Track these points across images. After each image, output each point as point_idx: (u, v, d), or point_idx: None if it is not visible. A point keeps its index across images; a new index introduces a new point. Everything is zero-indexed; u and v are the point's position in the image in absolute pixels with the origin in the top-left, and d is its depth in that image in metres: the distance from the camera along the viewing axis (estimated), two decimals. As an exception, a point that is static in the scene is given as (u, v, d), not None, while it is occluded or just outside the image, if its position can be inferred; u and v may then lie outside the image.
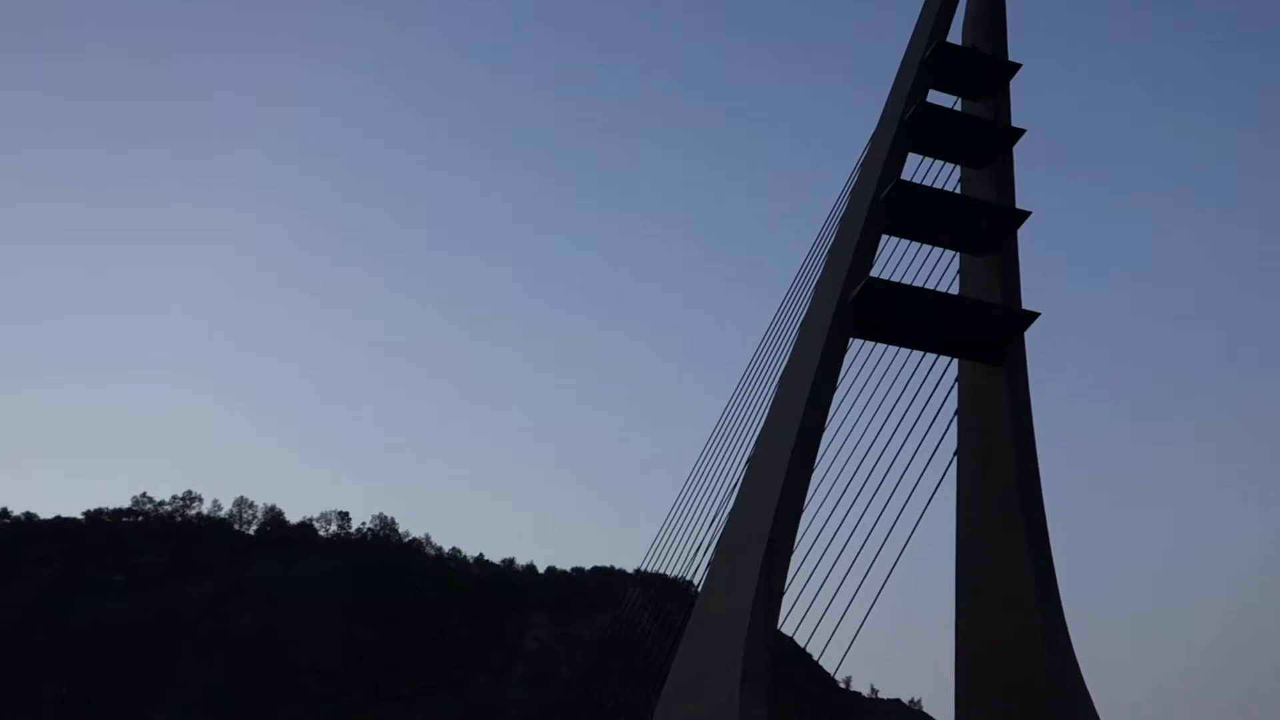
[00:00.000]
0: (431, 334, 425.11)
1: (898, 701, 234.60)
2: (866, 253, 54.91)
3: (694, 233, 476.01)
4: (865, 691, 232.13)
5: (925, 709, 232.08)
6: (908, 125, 57.16)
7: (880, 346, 53.91)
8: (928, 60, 58.65)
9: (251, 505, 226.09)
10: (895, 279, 54.14)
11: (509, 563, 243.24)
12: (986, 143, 58.14)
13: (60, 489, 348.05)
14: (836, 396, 52.25)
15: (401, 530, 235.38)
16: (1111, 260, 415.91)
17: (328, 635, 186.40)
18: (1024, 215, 55.82)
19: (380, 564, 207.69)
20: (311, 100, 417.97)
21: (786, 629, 49.68)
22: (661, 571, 67.85)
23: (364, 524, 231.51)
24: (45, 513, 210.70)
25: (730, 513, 54.87)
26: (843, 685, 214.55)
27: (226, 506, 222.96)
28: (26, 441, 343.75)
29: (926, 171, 58.60)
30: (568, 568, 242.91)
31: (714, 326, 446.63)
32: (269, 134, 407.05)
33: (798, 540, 49.10)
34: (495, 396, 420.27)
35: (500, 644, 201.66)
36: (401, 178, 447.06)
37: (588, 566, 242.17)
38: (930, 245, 56.83)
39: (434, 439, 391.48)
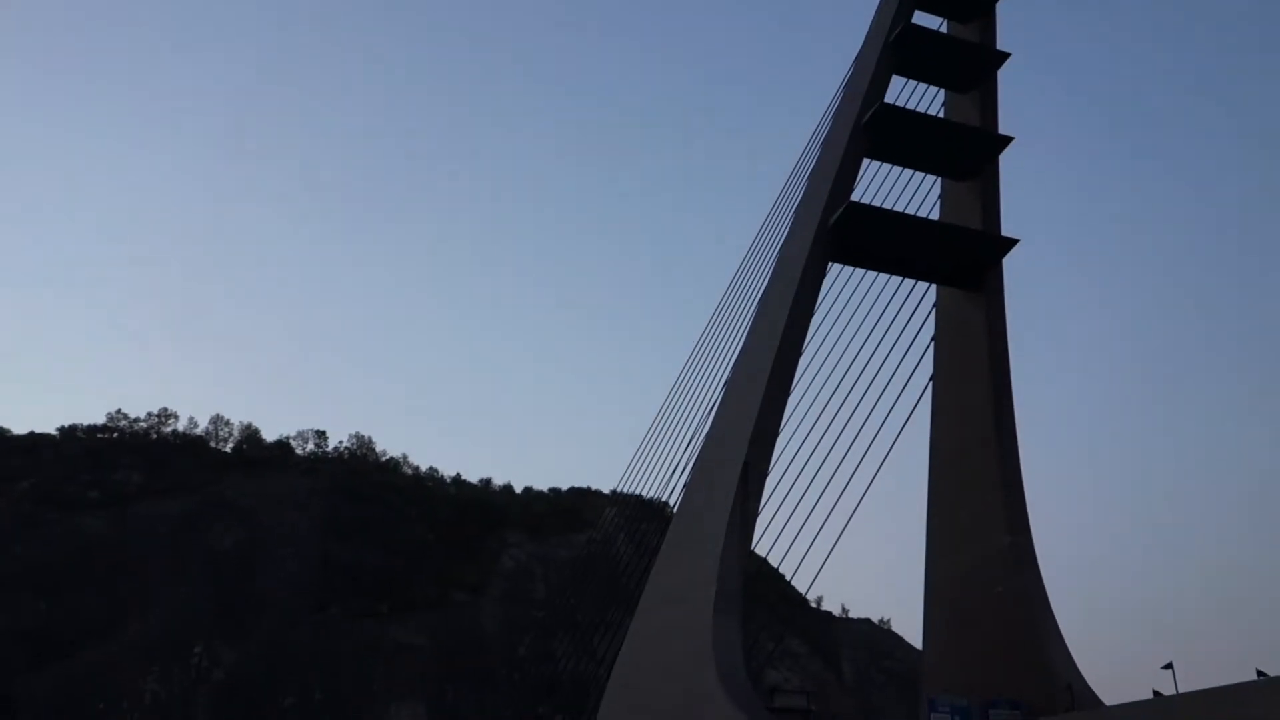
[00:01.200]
0: (405, 252, 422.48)
1: (867, 621, 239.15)
2: (848, 177, 54.68)
3: (673, 151, 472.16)
4: (836, 611, 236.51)
5: (894, 629, 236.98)
6: (892, 46, 56.57)
7: (859, 271, 54.03)
8: (915, -20, 57.93)
9: (228, 423, 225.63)
10: (876, 204, 54.07)
11: (486, 483, 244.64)
12: (971, 66, 57.67)
13: (34, 405, 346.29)
14: (814, 321, 52.45)
15: (379, 449, 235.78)
16: (1097, 188, 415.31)
17: (305, 553, 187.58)
18: (1007, 140, 55.64)
19: (357, 483, 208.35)
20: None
21: (760, 550, 50.47)
22: (638, 492, 68.58)
23: (341, 443, 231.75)
24: (19, 428, 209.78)
25: (707, 435, 55.31)
26: (814, 605, 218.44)
27: (203, 424, 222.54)
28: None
29: (910, 95, 58.22)
30: (545, 488, 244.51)
31: (694, 248, 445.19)
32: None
33: (773, 463, 49.62)
34: (472, 317, 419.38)
35: (477, 563, 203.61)
36: (367, 88, 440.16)
37: (565, 487, 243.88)
38: (912, 170, 56.66)
39: (411, 359, 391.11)
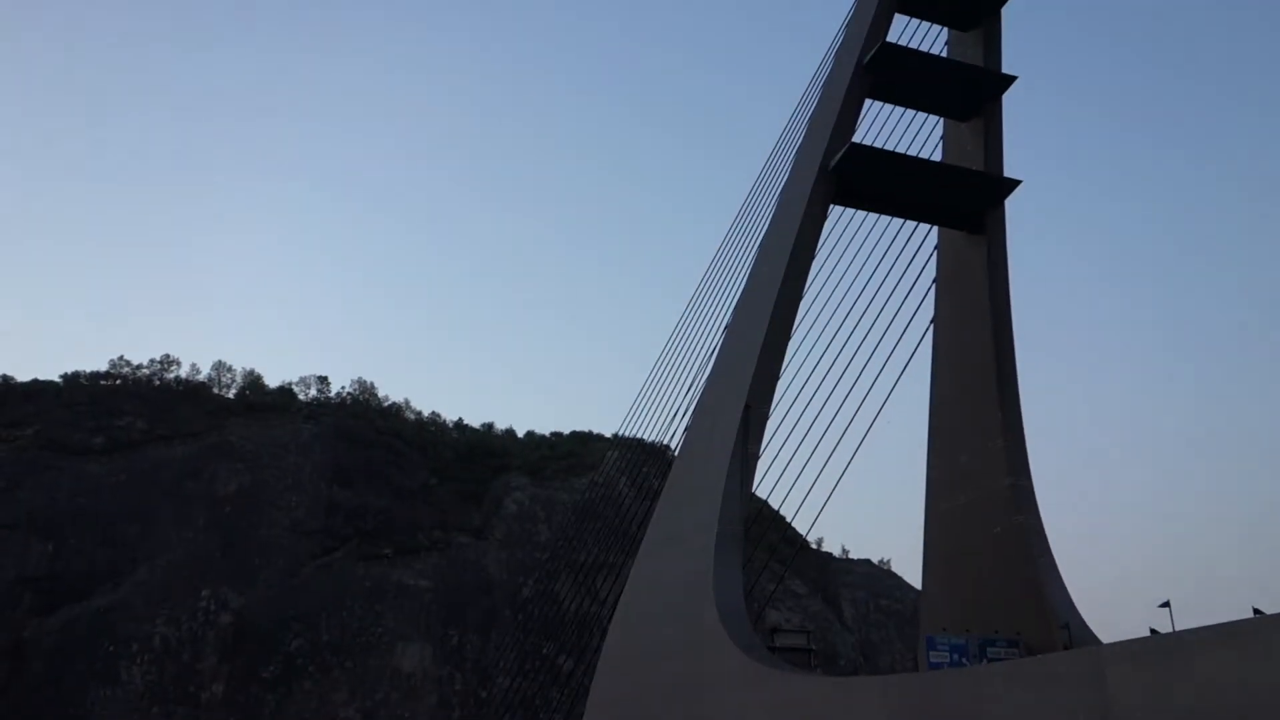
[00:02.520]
0: (408, 197, 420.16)
1: (868, 561, 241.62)
2: (849, 118, 54.26)
3: (674, 96, 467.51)
4: (836, 552, 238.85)
5: (894, 569, 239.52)
6: (896, -17, 55.80)
7: (860, 214, 53.81)
8: (917, -84, 56.96)
9: (230, 369, 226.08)
10: (878, 146, 53.70)
11: (489, 427, 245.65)
12: (974, 3, 56.88)
13: (36, 352, 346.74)
14: (815, 264, 52.36)
15: (381, 395, 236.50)
16: (1100, 129, 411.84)
17: (310, 497, 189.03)
18: (1010, 80, 55.08)
19: (360, 428, 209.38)
20: None
21: (761, 492, 50.85)
22: (639, 436, 68.96)
23: (343, 388, 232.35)
24: (22, 376, 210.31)
25: (708, 378, 55.49)
26: (814, 546, 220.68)
27: (205, 370, 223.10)
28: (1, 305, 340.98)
29: (913, 34, 57.57)
30: (547, 432, 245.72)
31: (695, 191, 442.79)
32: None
33: (774, 406, 49.83)
34: (474, 261, 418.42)
35: (480, 506, 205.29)
36: (379, 49, 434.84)
37: (567, 431, 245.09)
38: (915, 110, 56.20)
39: (412, 303, 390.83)
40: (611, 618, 54.81)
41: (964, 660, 42.05)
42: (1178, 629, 31.85)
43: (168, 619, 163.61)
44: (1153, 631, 31.84)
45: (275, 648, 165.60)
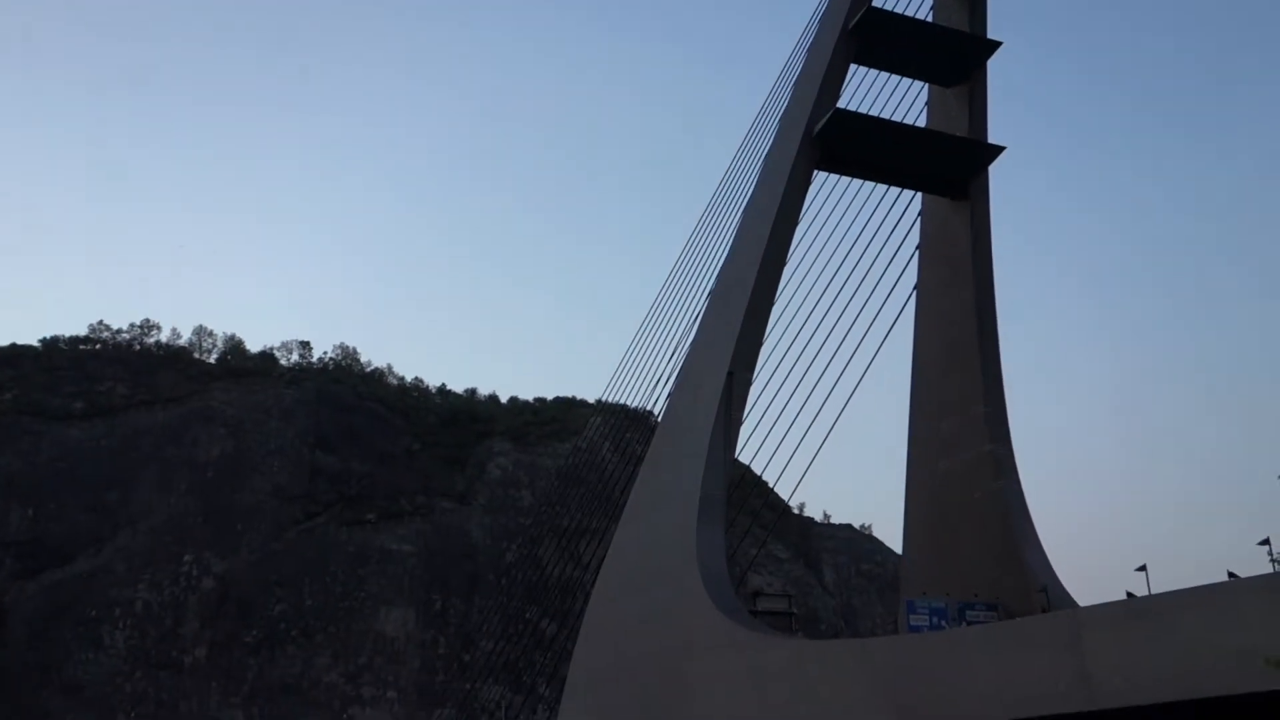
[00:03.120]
0: (390, 162, 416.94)
1: (849, 526, 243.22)
2: (834, 83, 54.08)
3: (657, 61, 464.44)
4: (818, 517, 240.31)
5: (875, 534, 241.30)
6: (881, -52, 55.42)
7: (844, 181, 53.74)
8: (904, -123, 56.49)
9: (211, 334, 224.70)
10: (862, 112, 53.56)
11: (471, 392, 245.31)
12: (960, -32, 56.57)
13: (14, 316, 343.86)
14: (799, 230, 52.35)
15: (363, 360, 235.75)
16: (1085, 95, 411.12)
17: (292, 462, 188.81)
18: (995, 45, 54.96)
19: (342, 393, 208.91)
20: None
21: (743, 458, 51.10)
22: (623, 402, 69.07)
23: (325, 353, 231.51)
24: (0, 340, 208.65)
25: (691, 344, 55.54)
26: (796, 511, 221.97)
27: (185, 335, 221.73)
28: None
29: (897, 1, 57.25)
30: (530, 398, 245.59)
31: (679, 157, 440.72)
32: None
33: (757, 372, 49.98)
34: (456, 225, 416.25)
35: (464, 472, 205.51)
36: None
37: (550, 397, 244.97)
38: (899, 76, 56.01)
39: (394, 268, 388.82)
40: (595, 582, 55.11)
41: (943, 623, 42.54)
42: (1154, 593, 32.24)
43: (150, 584, 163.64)
44: (1130, 595, 32.22)
45: (258, 612, 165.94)
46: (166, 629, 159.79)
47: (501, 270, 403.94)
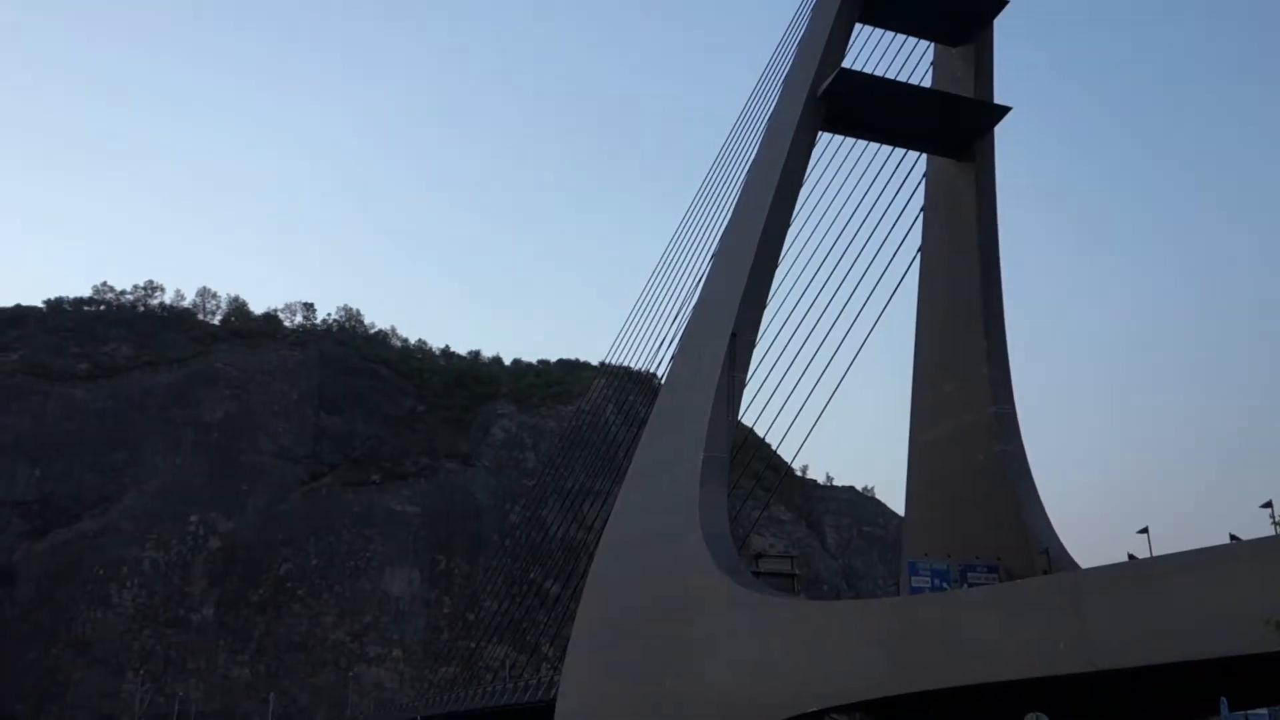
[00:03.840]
0: (394, 120, 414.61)
1: (851, 489, 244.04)
2: (839, 44, 53.57)
3: (662, 22, 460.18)
4: (821, 479, 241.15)
5: (877, 496, 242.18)
6: (887, -95, 54.66)
7: (848, 141, 53.39)
8: None
9: (214, 295, 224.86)
10: (867, 72, 53.10)
11: (475, 355, 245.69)
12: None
13: (18, 276, 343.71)
14: (803, 192, 52.08)
15: (367, 322, 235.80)
16: (1089, 56, 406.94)
17: (297, 424, 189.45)
18: (1002, 3, 54.32)
19: (346, 355, 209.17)
20: None
21: (746, 420, 51.17)
22: (626, 364, 69.16)
23: (329, 315, 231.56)
24: (4, 301, 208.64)
25: (695, 307, 55.47)
26: (799, 473, 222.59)
27: (189, 296, 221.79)
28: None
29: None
30: (534, 360, 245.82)
31: (684, 117, 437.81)
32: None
33: (760, 334, 49.91)
34: (460, 186, 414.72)
35: (468, 433, 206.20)
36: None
37: (554, 359, 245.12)
38: (905, 35, 55.46)
39: (398, 229, 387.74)
40: (598, 543, 55.40)
41: (945, 585, 42.75)
42: (1156, 555, 32.34)
43: (157, 543, 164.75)
44: (1131, 558, 32.32)
45: (264, 572, 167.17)
46: (174, 588, 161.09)
47: (505, 232, 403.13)
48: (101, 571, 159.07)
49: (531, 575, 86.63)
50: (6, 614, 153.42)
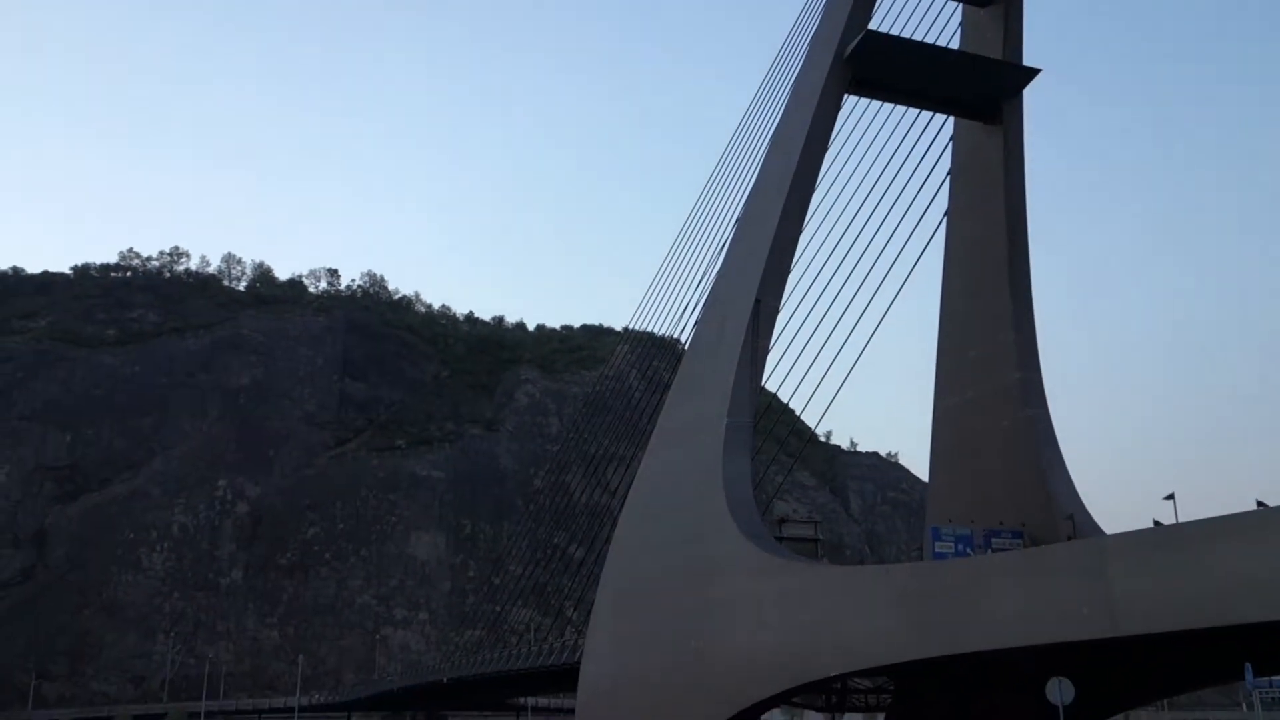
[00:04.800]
0: (417, 89, 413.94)
1: (875, 454, 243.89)
2: (865, 4, 52.86)
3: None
4: (845, 445, 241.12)
5: (901, 462, 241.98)
6: None
7: (874, 105, 52.79)
8: None
9: (240, 261, 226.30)
10: (894, 34, 52.39)
11: (499, 320, 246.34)
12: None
13: (45, 243, 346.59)
14: (828, 156, 51.59)
15: (391, 288, 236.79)
16: (1119, 16, 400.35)
17: (322, 389, 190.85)
18: (1032, -36, 53.40)
19: (371, 320, 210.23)
20: None
21: (770, 386, 51.06)
22: (650, 330, 69.00)
23: (353, 281, 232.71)
24: (32, 267, 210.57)
25: (719, 272, 55.20)
26: (823, 439, 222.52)
27: (215, 263, 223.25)
28: (8, 195, 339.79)
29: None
30: (557, 326, 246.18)
31: (708, 81, 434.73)
32: None
33: (784, 300, 49.67)
34: (484, 151, 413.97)
35: (492, 399, 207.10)
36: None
37: (577, 325, 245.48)
38: (932, -4, 54.58)
39: (421, 195, 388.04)
40: (622, 508, 55.58)
41: (968, 550, 42.69)
42: (1182, 521, 32.15)
43: (185, 507, 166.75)
44: (1156, 524, 32.17)
45: (292, 536, 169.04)
46: (203, 551, 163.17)
47: (529, 198, 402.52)
48: (132, 535, 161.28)
49: (555, 540, 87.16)
50: (40, 577, 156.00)
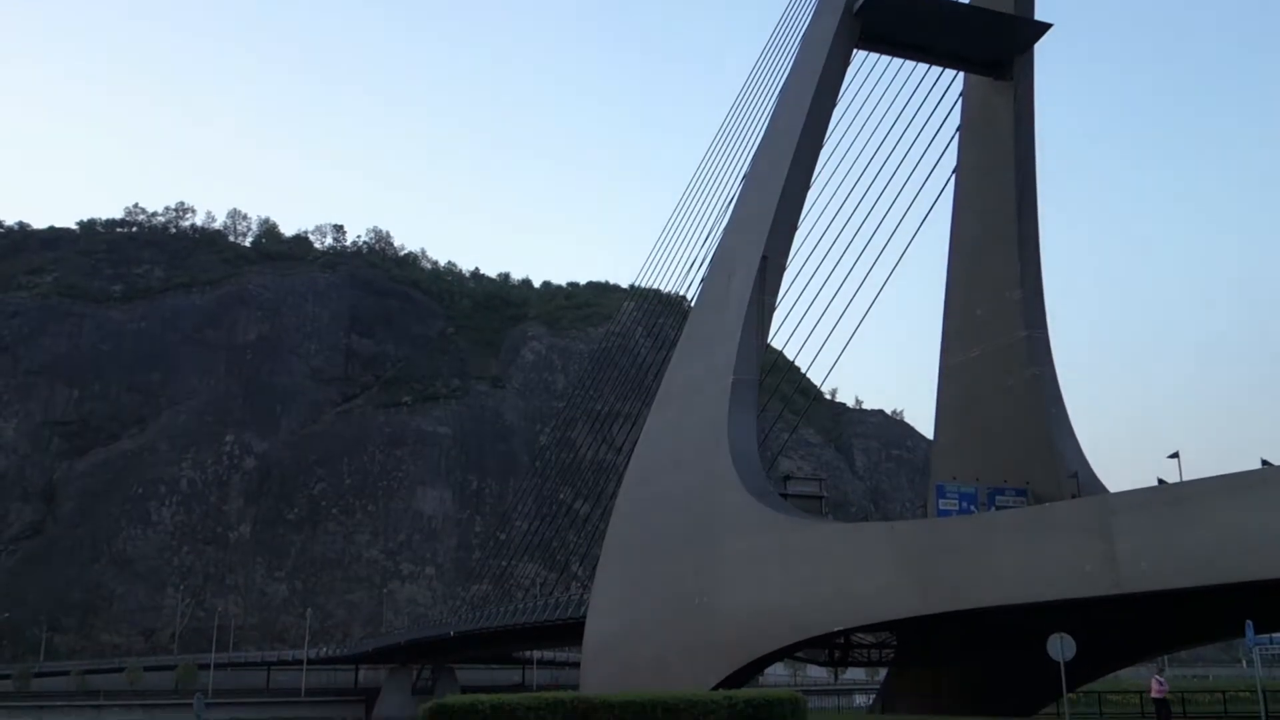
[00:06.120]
0: (419, 41, 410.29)
1: (880, 412, 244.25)
2: (875, -43, 52.16)
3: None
4: (850, 403, 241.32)
5: (906, 419, 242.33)
6: None
7: (883, 60, 52.27)
8: None
9: (245, 217, 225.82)
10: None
11: (505, 277, 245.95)
12: None
13: (50, 199, 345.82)
14: (837, 112, 51.19)
15: (396, 244, 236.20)
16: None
17: (328, 345, 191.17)
18: (1045, -85, 52.56)
19: (377, 276, 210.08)
20: None
21: (776, 343, 51.03)
22: (656, 286, 68.87)
23: (359, 237, 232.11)
24: (38, 223, 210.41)
25: (725, 229, 55.00)
26: (829, 397, 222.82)
27: (220, 218, 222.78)
28: (14, 150, 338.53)
29: None
30: (563, 282, 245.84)
31: (716, 33, 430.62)
32: None
33: (791, 256, 49.51)
34: (489, 107, 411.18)
35: (498, 356, 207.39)
36: None
37: (583, 281, 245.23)
38: (944, -52, 53.84)
39: (424, 151, 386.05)
40: (627, 465, 55.77)
41: (972, 508, 42.84)
42: (1186, 479, 32.17)
43: (194, 462, 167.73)
44: (1160, 482, 32.18)
45: (299, 491, 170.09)
46: (211, 506, 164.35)
47: (534, 153, 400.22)
48: (140, 490, 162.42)
49: (561, 496, 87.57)
50: (50, 531, 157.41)
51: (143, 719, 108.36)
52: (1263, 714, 32.78)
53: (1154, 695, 28.67)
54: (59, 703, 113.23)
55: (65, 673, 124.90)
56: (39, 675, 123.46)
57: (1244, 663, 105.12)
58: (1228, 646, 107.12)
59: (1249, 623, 28.16)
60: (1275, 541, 26.39)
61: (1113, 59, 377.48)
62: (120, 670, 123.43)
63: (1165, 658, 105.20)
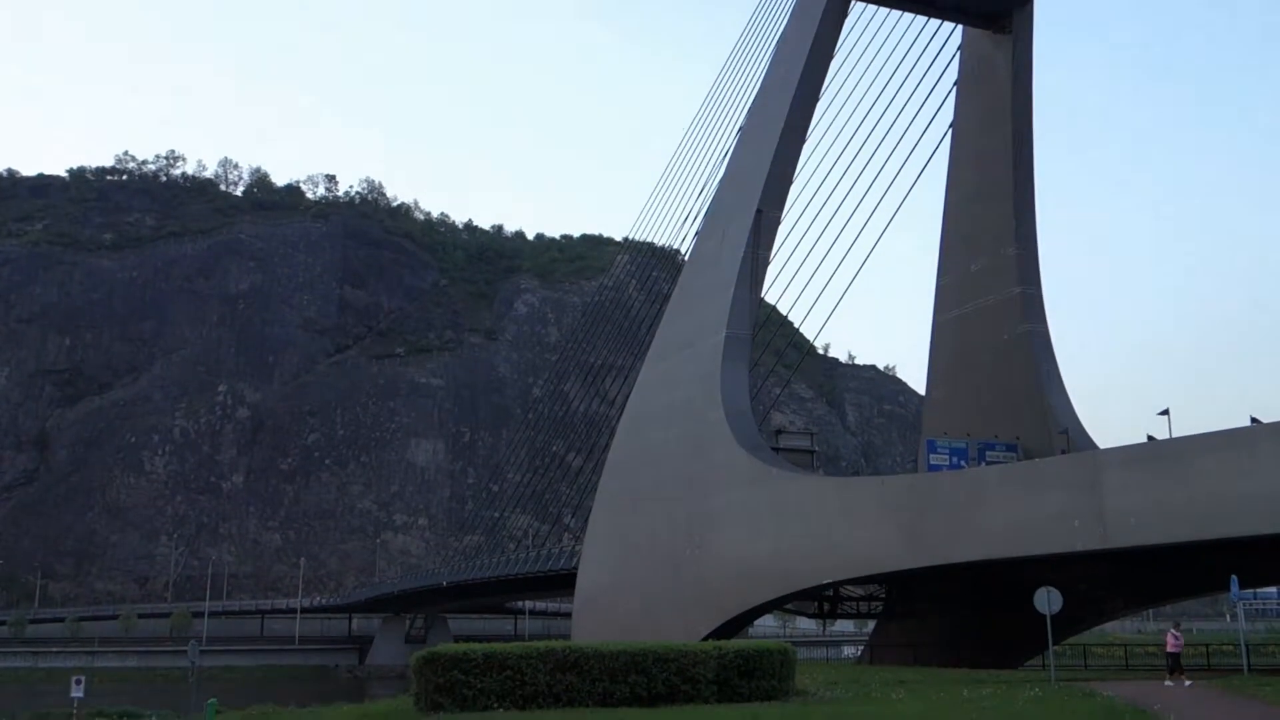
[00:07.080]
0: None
1: (873, 367, 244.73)
2: (875, -93, 51.57)
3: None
4: (843, 358, 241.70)
5: (899, 375, 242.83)
6: None
7: (880, 13, 51.81)
8: None
9: (236, 166, 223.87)
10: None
11: (498, 229, 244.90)
12: None
13: (39, 146, 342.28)
14: (833, 65, 50.85)
15: (389, 195, 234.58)
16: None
17: (321, 296, 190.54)
18: None
19: (369, 227, 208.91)
20: None
21: (769, 297, 51.06)
22: (650, 240, 68.77)
23: (351, 187, 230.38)
24: (26, 170, 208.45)
25: (720, 182, 54.80)
26: (821, 351, 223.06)
27: (211, 167, 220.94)
28: (2, 97, 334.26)
29: None
30: (557, 235, 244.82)
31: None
32: None
33: (786, 211, 49.42)
34: (483, 57, 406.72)
35: (491, 308, 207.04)
36: None
37: (577, 234, 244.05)
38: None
39: (417, 101, 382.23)
40: (620, 418, 55.98)
41: (963, 463, 43.14)
42: (1175, 436, 32.40)
43: (186, 412, 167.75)
44: (1150, 438, 32.41)
45: (292, 441, 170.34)
46: (204, 455, 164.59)
47: (528, 105, 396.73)
48: (133, 439, 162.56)
49: (554, 448, 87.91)
50: (43, 479, 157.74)
51: (137, 665, 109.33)
52: (1245, 667, 33.28)
53: (1170, 650, 29.16)
54: (54, 649, 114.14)
55: (60, 619, 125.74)
56: (34, 621, 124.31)
57: (1228, 617, 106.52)
58: (1212, 601, 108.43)
59: (1234, 578, 28.51)
60: (1263, 498, 26.66)
61: (1111, 13, 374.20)
62: (115, 618, 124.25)
63: (1150, 611, 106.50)
